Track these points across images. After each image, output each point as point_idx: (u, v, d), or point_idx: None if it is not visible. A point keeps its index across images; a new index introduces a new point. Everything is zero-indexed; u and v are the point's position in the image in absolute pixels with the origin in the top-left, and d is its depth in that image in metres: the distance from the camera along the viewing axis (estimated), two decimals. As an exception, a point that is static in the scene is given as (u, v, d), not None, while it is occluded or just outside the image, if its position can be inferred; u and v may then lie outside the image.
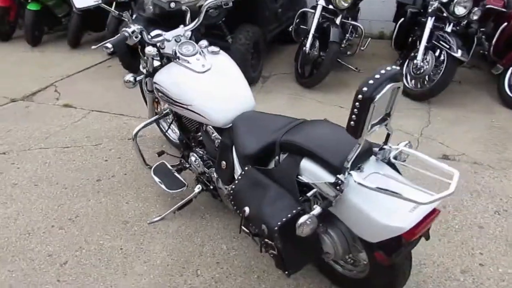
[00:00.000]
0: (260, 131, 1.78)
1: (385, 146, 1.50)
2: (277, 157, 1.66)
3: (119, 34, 1.93)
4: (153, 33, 2.19)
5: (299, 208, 1.47)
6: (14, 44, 5.60)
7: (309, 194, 1.52)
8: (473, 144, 3.10)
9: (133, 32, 1.94)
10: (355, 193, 1.39)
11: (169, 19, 2.41)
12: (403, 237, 1.34)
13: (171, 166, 2.39)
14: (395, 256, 1.41)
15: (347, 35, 4.62)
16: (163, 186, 2.27)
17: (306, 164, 1.53)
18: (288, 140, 1.60)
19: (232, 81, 2.10)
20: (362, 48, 4.47)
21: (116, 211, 2.40)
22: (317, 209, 1.44)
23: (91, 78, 4.36)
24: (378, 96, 1.18)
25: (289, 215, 1.44)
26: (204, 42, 2.33)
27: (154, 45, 2.12)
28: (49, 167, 2.82)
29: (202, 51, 2.17)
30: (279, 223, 1.44)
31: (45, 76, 4.41)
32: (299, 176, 1.55)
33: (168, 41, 2.13)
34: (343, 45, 4.40)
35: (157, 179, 2.32)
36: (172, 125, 2.78)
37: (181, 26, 2.21)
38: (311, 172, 1.51)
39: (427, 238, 1.49)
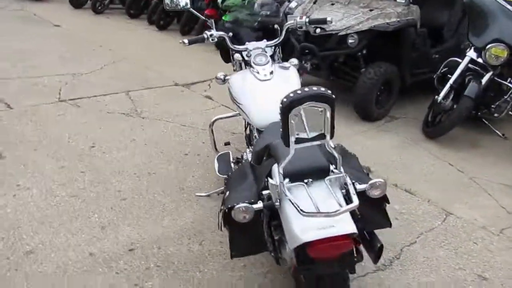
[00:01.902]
0: (271, 136, 1.98)
1: (334, 170, 1.54)
2: (264, 158, 1.85)
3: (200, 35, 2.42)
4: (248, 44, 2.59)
5: (252, 200, 1.64)
6: (204, 46, 6.86)
7: (264, 192, 1.67)
8: None
9: (211, 35, 2.39)
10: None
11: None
12: (308, 251, 1.39)
13: (233, 157, 2.76)
14: (301, 270, 1.46)
15: (505, 96, 4.11)
16: (216, 169, 2.66)
17: (275, 168, 1.69)
18: (271, 145, 1.78)
19: (283, 93, 2.32)
20: (511, 113, 3.94)
21: (181, 179, 2.91)
22: (258, 204, 1.59)
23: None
24: (295, 109, 1.31)
25: (239, 203, 1.64)
26: (294, 61, 2.63)
27: (240, 53, 2.54)
28: (162, 136, 3.55)
29: (273, 64, 2.46)
30: (229, 206, 1.65)
31: (209, 73, 5.35)
32: (269, 177, 1.72)
33: (250, 50, 2.51)
34: (493, 106, 3.98)
35: (216, 163, 2.72)
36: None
37: (264, 40, 2.56)
38: (275, 175, 1.67)
39: (351, 271, 1.47)
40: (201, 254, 2.23)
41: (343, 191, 1.58)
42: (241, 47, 2.51)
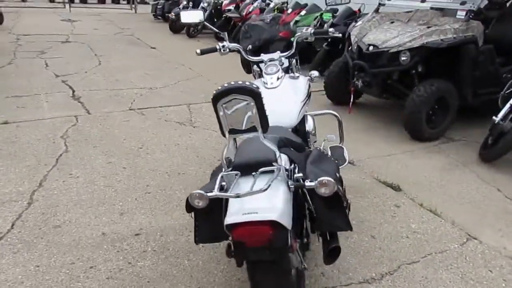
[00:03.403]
0: None
1: (274, 164, 1.60)
2: None
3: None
4: (263, 55, 2.75)
5: (208, 190, 1.77)
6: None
7: (223, 183, 1.79)
8: None
9: (223, 46, 2.60)
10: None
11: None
12: (232, 234, 1.48)
13: None
14: (231, 252, 1.54)
15: None
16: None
17: None
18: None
19: (285, 101, 2.42)
20: None
21: (205, 180, 3.07)
22: (213, 193, 1.71)
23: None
24: (221, 101, 1.44)
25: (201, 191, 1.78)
26: (314, 73, 2.74)
27: (257, 64, 2.71)
28: (204, 142, 3.84)
29: (284, 74, 2.57)
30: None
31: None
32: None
33: (264, 62, 2.66)
34: None
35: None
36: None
37: (278, 52, 2.69)
38: None
39: (285, 263, 1.50)
40: (196, 245, 2.38)
41: (291, 185, 1.64)
42: (256, 58, 2.68)
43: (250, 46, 2.81)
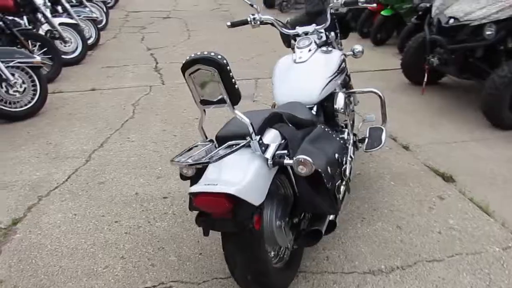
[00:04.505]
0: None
1: (247, 138, 1.56)
2: None
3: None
4: (298, 28, 2.62)
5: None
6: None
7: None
8: None
9: (254, 18, 2.54)
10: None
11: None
12: (193, 202, 1.49)
13: None
14: (197, 219, 1.56)
15: None
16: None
17: None
18: None
19: (310, 77, 2.31)
20: None
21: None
22: (199, 161, 1.74)
23: (366, 79, 4.88)
24: (187, 72, 1.45)
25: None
26: (357, 47, 2.60)
27: (294, 39, 2.62)
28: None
29: (315, 47, 2.45)
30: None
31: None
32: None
33: (298, 34, 2.56)
34: None
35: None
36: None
37: (314, 24, 2.55)
38: None
39: (235, 228, 1.49)
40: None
41: (269, 157, 1.59)
42: (291, 32, 2.58)
43: (289, 19, 2.72)
